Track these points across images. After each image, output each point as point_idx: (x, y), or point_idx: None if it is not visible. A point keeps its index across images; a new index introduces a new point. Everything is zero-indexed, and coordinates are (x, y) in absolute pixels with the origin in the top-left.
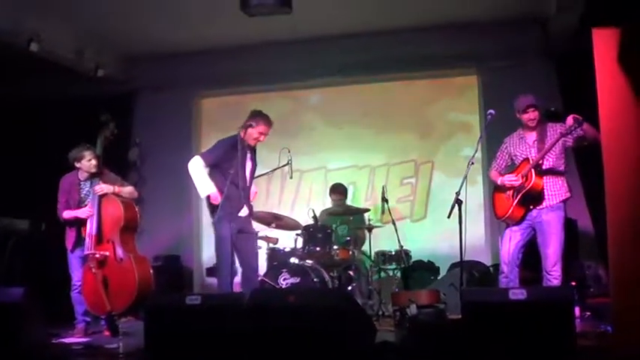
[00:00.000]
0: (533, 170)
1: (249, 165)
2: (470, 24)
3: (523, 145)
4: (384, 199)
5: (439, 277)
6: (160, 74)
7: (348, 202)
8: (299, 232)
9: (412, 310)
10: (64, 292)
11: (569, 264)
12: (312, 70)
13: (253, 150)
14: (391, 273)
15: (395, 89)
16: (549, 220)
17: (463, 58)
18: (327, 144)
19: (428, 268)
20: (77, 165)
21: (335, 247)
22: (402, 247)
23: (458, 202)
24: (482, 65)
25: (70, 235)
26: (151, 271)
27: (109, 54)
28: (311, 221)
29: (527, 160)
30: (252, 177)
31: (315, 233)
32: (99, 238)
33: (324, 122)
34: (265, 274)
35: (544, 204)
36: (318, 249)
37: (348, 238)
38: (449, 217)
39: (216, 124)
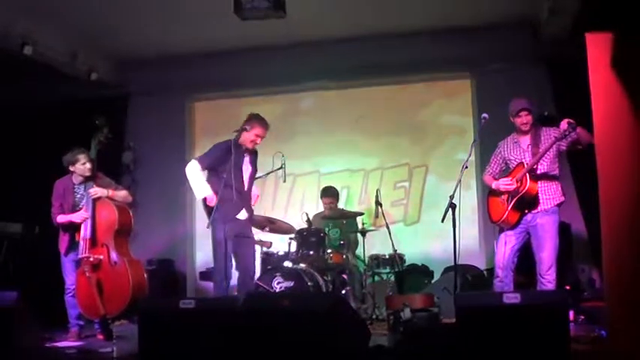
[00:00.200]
0: (527, 175)
1: (248, 169)
2: (463, 28)
3: (517, 149)
4: (378, 203)
5: (433, 281)
6: (153, 78)
7: (342, 205)
8: (292, 235)
9: (406, 314)
10: (57, 295)
11: (563, 268)
12: (305, 74)
13: (254, 154)
14: (385, 277)
15: (388, 93)
16: (544, 224)
17: (457, 61)
18: (320, 148)
19: (422, 271)
20: (71, 168)
21: (328, 250)
22: (395, 250)
23: (452, 205)
24: (476, 69)
25: (64, 239)
26: (145, 274)
27: (103, 58)
28: (304, 225)
29: (521, 164)
30: (252, 181)
31: (309, 237)
32: (93, 242)
33: (317, 126)
34: (259, 278)
35: (539, 208)
36: (311, 253)
37: (342, 242)
38: (443, 220)
39: (210, 127)
